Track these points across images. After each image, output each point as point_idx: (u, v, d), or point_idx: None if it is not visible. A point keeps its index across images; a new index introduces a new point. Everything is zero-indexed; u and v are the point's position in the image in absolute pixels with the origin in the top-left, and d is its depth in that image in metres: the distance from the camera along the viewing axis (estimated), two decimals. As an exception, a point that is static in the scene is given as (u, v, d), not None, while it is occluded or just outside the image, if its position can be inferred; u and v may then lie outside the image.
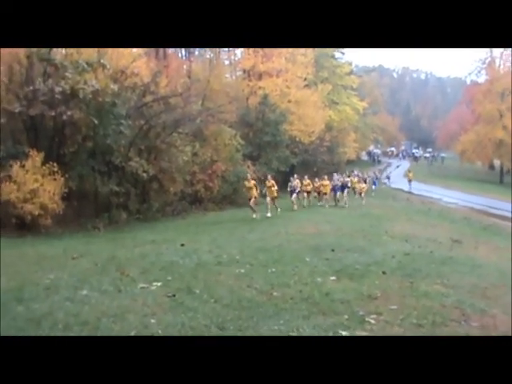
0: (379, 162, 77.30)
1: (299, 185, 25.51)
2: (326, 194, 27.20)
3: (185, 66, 37.33)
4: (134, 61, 23.46)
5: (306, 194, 26.36)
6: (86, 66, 19.85)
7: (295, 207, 24.21)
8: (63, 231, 17.56)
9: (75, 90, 18.76)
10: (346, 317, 5.73)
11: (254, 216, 19.41)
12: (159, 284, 7.14)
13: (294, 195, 24.70)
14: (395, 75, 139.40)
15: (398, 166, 71.81)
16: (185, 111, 24.77)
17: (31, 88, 19.00)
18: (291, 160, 37.31)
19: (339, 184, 27.53)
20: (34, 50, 19.58)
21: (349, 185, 29.33)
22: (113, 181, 20.32)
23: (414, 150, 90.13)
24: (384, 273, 8.43)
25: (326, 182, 27.38)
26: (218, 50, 42.15)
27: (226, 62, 43.87)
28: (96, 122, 19.46)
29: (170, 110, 23.86)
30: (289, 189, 25.33)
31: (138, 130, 22.42)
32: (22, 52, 19.67)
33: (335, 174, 29.20)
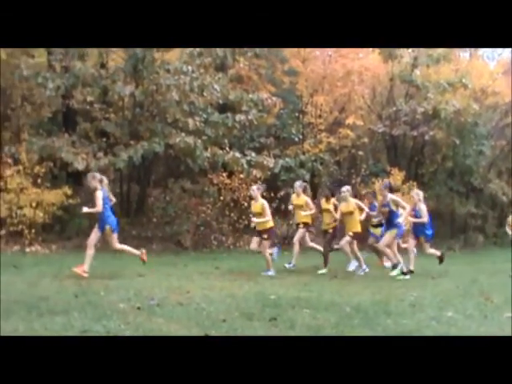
0: None
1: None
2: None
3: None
4: (495, 79, 22.75)
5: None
6: (447, 86, 19.91)
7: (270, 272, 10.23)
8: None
9: (437, 111, 18.93)
10: None
11: None
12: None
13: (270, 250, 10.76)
14: None
15: None
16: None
17: (393, 109, 19.76)
18: None
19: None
20: (397, 72, 20.36)
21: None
22: (471, 202, 20.08)
23: None
24: None
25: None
26: None
27: None
28: (457, 142, 19.35)
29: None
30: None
31: (498, 151, 21.93)
32: (383, 74, 20.55)
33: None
